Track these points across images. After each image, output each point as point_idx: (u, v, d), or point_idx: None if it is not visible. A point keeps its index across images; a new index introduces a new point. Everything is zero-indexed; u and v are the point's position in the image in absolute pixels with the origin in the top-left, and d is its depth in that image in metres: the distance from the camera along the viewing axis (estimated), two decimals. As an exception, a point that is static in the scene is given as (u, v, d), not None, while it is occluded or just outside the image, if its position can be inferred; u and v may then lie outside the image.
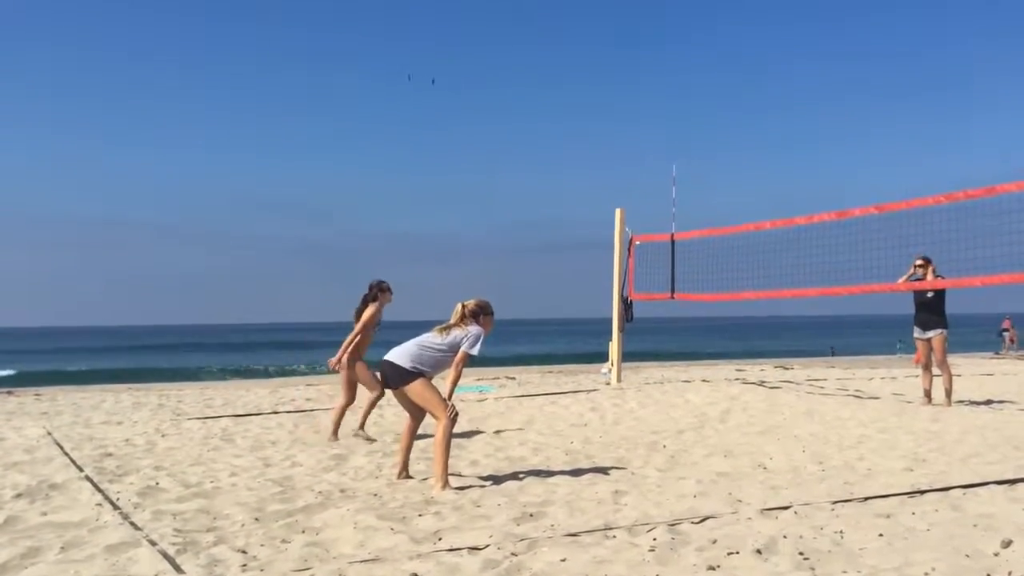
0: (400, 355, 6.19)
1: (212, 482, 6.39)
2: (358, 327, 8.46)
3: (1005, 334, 35.58)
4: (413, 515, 5.26)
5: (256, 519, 5.22)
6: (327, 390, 14.48)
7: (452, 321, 6.31)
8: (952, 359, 12.05)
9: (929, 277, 10.30)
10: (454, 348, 6.19)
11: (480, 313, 6.34)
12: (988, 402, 11.09)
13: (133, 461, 7.30)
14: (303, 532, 4.93)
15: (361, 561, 4.31)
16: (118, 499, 5.78)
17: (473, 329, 6.22)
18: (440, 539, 4.70)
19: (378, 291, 8.59)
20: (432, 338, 6.24)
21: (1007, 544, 4.24)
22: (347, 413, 8.55)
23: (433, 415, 6.15)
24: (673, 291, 13.86)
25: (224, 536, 4.83)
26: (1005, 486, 5.64)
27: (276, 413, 10.81)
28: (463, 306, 6.34)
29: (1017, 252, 9.33)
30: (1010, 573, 3.79)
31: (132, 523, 5.10)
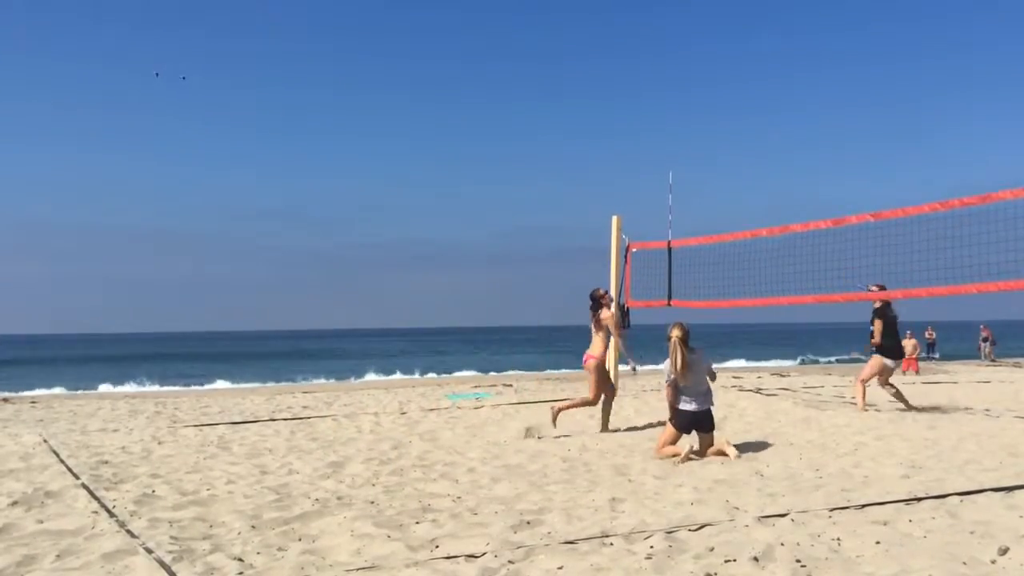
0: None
1: (208, 490, 6.38)
2: (615, 332, 9.51)
3: (984, 343, 35.77)
4: (410, 522, 5.26)
5: (253, 527, 5.21)
6: (324, 397, 14.48)
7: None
8: (951, 366, 12.22)
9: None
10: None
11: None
12: (986, 409, 11.10)
13: (129, 469, 7.29)
14: (299, 540, 4.92)
15: (358, 569, 4.30)
16: (114, 507, 5.77)
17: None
18: (437, 546, 4.70)
19: (606, 295, 9.82)
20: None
21: (1004, 551, 4.24)
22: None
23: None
24: (670, 298, 13.84)
25: (220, 544, 4.82)
26: (1002, 493, 5.65)
27: (273, 420, 10.81)
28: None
29: (996, 261, 9.34)
30: (1007, 580, 3.79)
31: (128, 531, 5.10)
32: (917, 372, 22.55)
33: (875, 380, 11.23)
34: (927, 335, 36.20)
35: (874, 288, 10.70)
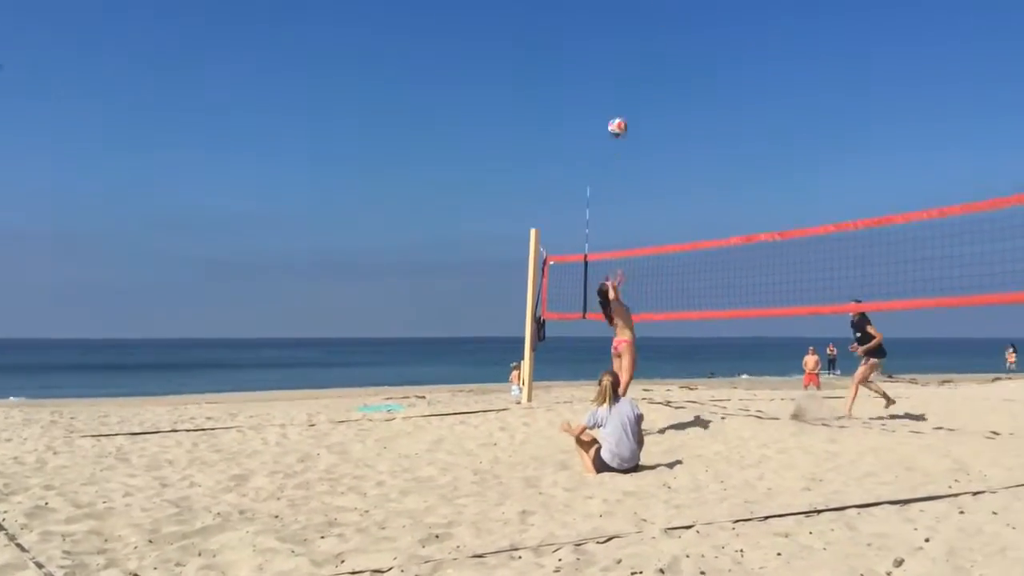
0: None
1: (105, 502, 6.15)
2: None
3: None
4: (315, 537, 5.15)
5: (150, 541, 5.04)
6: (228, 408, 14.12)
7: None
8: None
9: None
10: None
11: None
12: (883, 424, 11.47)
13: (21, 480, 6.97)
14: (199, 555, 4.77)
15: (259, 585, 4.20)
16: (3, 519, 5.52)
17: None
18: (343, 561, 4.61)
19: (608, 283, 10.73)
20: None
21: (899, 563, 4.38)
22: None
23: None
24: (585, 311, 13.96)
25: (116, 559, 4.65)
26: (898, 506, 5.83)
27: (175, 431, 10.47)
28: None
29: (919, 279, 9.74)
30: (900, 590, 3.91)
31: (18, 544, 4.88)
32: (818, 387, 23.22)
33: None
34: (829, 351, 37.43)
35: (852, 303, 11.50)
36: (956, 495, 6.14)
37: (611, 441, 7.39)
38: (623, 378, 10.30)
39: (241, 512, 5.89)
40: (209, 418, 12.33)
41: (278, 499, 6.37)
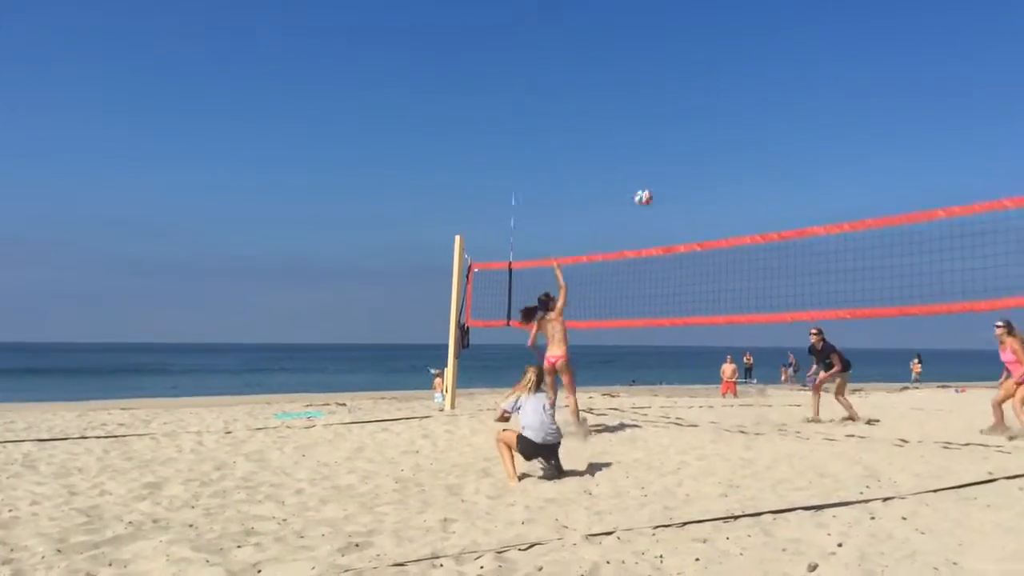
0: None
1: (11, 511, 5.92)
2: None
3: (789, 368, 38.34)
4: (231, 546, 5.03)
5: (58, 551, 4.86)
6: (142, 414, 13.71)
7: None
8: (767, 389, 13.29)
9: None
10: None
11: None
12: (797, 431, 11.77)
13: (-84, 490, 6.64)
14: (110, 565, 4.63)
15: (172, 596, 4.08)
16: None
17: None
18: (260, 571, 4.52)
19: (548, 300, 10.87)
20: None
21: (813, 568, 4.48)
22: None
23: None
24: (509, 318, 13.99)
25: (22, 569, 4.48)
26: (811, 511, 5.98)
27: (85, 438, 10.12)
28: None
29: (832, 291, 10.04)
30: (813, 594, 4.00)
31: (-90, 559, 4.63)
32: (735, 395, 23.70)
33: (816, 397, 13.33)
34: (745, 360, 38.26)
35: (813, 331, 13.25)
36: (867, 501, 6.33)
37: (533, 420, 7.59)
38: (570, 399, 10.44)
39: (154, 521, 5.72)
40: (121, 424, 11.96)
41: (193, 508, 6.20)
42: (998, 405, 11.24)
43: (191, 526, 5.59)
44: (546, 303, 10.90)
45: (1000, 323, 11.08)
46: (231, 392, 32.36)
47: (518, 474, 7.39)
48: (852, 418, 13.09)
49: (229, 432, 10.85)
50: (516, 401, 7.90)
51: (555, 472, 7.57)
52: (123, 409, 15.39)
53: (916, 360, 39.12)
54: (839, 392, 13.62)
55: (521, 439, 7.57)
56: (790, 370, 38.51)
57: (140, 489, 6.85)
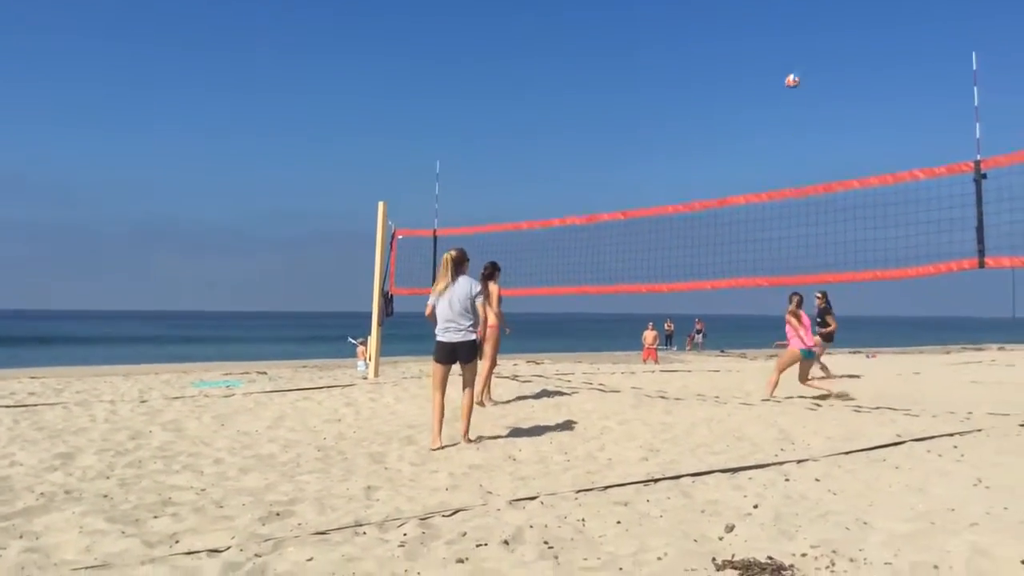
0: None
1: (-92, 487, 5.65)
2: (491, 305, 9.99)
3: (698, 335, 39.31)
4: (147, 517, 4.91)
5: (-37, 525, 4.66)
6: (53, 383, 13.27)
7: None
8: (686, 356, 13.30)
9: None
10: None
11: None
12: (716, 396, 12.04)
13: None
14: (20, 537, 4.47)
15: (87, 567, 3.97)
16: None
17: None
18: (177, 542, 4.42)
19: (493, 270, 10.41)
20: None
21: (730, 529, 4.60)
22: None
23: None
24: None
25: (-78, 546, 4.27)
26: (729, 474, 6.13)
27: (-8, 409, 9.75)
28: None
29: (751, 259, 10.23)
30: (733, 556, 4.10)
31: None
32: (656, 361, 24.11)
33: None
34: (667, 327, 38.93)
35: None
36: (782, 463, 6.51)
37: (440, 316, 7.44)
38: (484, 365, 10.29)
39: (67, 492, 5.54)
40: (32, 394, 11.57)
41: (107, 478, 6.03)
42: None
43: (106, 497, 5.44)
44: (490, 274, 10.42)
45: (819, 294, 12.03)
46: (145, 360, 31.57)
47: (442, 444, 7.35)
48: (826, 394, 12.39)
49: (144, 401, 10.58)
50: (431, 298, 7.53)
51: (471, 380, 7.54)
52: (32, 378, 14.87)
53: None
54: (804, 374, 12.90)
55: (437, 344, 7.45)
56: (698, 336, 39.38)
57: (52, 460, 6.63)
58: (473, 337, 7.44)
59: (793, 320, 11.63)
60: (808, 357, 11.77)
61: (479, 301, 7.47)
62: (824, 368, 14.87)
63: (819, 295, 14.94)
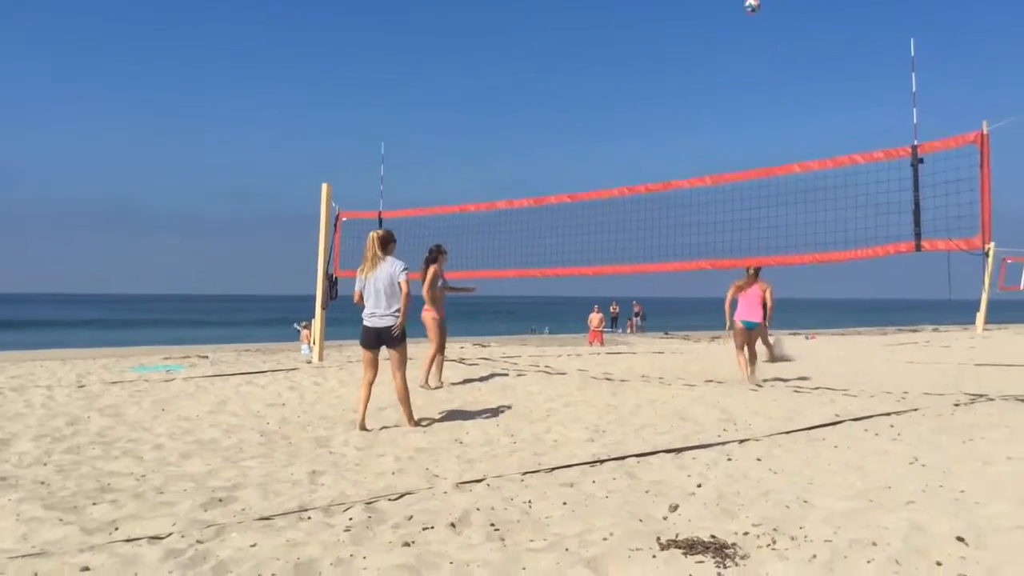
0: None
1: None
2: (424, 287, 10.15)
3: (636, 317, 39.81)
4: (86, 504, 4.81)
5: None
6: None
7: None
8: (630, 338, 13.32)
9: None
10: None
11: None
12: (660, 377, 12.18)
13: None
14: (-48, 528, 4.34)
15: (24, 556, 3.88)
16: None
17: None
18: (117, 529, 4.33)
19: (438, 253, 10.40)
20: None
21: (674, 508, 4.65)
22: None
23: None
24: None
25: None
26: (673, 454, 6.20)
27: (-79, 395, 9.44)
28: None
29: (694, 243, 10.34)
30: (677, 535, 4.15)
31: None
32: (602, 344, 24.31)
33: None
34: (612, 309, 39.28)
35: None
36: (724, 443, 6.62)
37: (366, 299, 7.39)
38: (430, 350, 10.37)
39: (3, 479, 5.40)
40: (-38, 380, 11.22)
41: (44, 464, 5.89)
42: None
43: (43, 483, 5.31)
44: (433, 258, 10.39)
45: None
46: (82, 345, 30.86)
47: (376, 426, 7.31)
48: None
49: (82, 386, 10.34)
50: (359, 281, 7.45)
51: (400, 361, 7.42)
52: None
53: None
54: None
55: (363, 329, 7.42)
56: (636, 319, 39.84)
57: (-16, 447, 6.45)
58: (398, 320, 7.32)
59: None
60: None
61: (402, 279, 7.28)
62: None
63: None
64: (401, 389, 7.56)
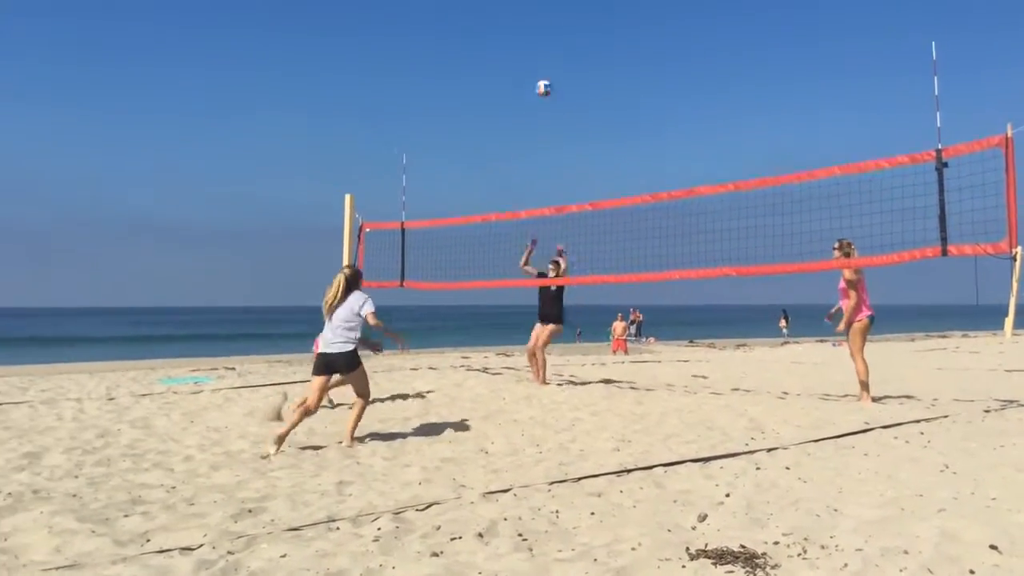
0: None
1: None
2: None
3: (632, 326, 39.46)
4: (118, 516, 4.86)
5: (-71, 528, 4.58)
6: (17, 382, 13.06)
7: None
8: (655, 347, 13.27)
9: None
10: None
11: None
12: (685, 386, 12.12)
13: None
14: (-13, 539, 4.40)
15: (57, 568, 3.93)
16: None
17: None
18: (148, 540, 4.38)
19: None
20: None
21: (703, 518, 4.63)
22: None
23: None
24: (403, 279, 13.90)
25: None
26: (700, 464, 6.17)
27: (-46, 409, 9.57)
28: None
29: (715, 250, 10.29)
30: (706, 545, 4.13)
31: None
32: (626, 352, 24.24)
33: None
34: (633, 317, 39.13)
35: None
36: (752, 452, 6.58)
37: (325, 330, 7.43)
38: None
39: (35, 492, 5.47)
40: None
41: (76, 477, 5.96)
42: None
43: (74, 496, 5.37)
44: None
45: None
46: (111, 358, 31.16)
47: (353, 442, 7.26)
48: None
49: (112, 399, 10.45)
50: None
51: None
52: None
53: (783, 316, 41.00)
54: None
55: (317, 356, 7.45)
56: (632, 327, 39.45)
57: (18, 459, 6.54)
58: (351, 347, 7.25)
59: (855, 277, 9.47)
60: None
61: (366, 310, 7.32)
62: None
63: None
64: (357, 412, 7.46)
